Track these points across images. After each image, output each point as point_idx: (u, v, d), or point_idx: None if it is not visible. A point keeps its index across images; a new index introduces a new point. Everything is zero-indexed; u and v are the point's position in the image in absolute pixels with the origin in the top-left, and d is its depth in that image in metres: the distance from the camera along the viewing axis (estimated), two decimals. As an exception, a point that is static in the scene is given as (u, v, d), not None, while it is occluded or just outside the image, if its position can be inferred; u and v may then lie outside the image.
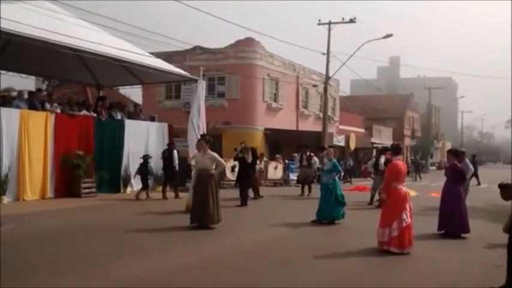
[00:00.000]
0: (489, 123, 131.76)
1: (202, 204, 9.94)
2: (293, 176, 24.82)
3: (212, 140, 11.14)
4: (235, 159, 17.77)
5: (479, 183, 26.59)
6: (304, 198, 18.08)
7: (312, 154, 20.05)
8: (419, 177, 36.10)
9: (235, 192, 15.67)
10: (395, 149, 9.03)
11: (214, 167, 10.38)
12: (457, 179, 10.00)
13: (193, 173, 13.23)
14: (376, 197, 13.52)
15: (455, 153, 10.60)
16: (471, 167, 13.41)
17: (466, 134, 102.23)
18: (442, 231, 9.88)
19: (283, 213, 13.49)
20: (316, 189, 18.85)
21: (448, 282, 6.53)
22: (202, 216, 9.93)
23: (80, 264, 6.87)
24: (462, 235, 9.63)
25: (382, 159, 15.45)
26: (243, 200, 14.81)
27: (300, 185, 19.93)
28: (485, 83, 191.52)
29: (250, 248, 8.48)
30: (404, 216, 8.00)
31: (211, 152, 10.53)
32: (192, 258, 7.44)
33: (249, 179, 15.85)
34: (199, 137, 13.67)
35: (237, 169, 17.60)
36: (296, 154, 23.52)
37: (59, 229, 9.74)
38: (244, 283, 6.20)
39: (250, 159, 15.95)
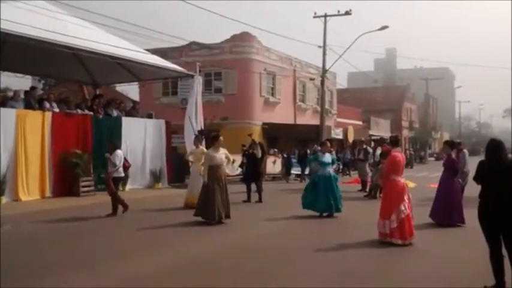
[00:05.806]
0: (487, 113, 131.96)
1: (219, 200, 10.04)
2: (294, 171, 24.82)
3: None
4: (243, 155, 17.32)
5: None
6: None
7: (365, 146, 18.94)
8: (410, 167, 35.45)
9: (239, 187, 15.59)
10: (394, 141, 9.06)
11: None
12: (452, 170, 10.09)
13: (191, 168, 13.24)
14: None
15: (451, 145, 10.62)
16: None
17: (464, 124, 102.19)
18: (432, 221, 10.01)
19: (286, 207, 13.44)
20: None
21: (449, 273, 6.54)
22: (217, 211, 9.99)
23: (81, 263, 6.86)
24: (459, 224, 9.75)
25: (378, 151, 15.44)
26: (260, 196, 14.56)
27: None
28: (482, 72, 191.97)
29: (254, 242, 8.49)
30: (403, 208, 8.05)
31: (223, 148, 10.56)
32: (200, 253, 7.45)
33: (260, 174, 15.63)
34: (196, 133, 13.62)
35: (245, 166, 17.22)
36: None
37: (60, 228, 9.73)
38: (248, 278, 6.20)
39: (259, 154, 15.70)
